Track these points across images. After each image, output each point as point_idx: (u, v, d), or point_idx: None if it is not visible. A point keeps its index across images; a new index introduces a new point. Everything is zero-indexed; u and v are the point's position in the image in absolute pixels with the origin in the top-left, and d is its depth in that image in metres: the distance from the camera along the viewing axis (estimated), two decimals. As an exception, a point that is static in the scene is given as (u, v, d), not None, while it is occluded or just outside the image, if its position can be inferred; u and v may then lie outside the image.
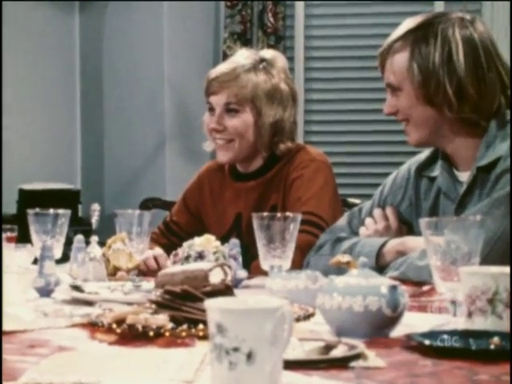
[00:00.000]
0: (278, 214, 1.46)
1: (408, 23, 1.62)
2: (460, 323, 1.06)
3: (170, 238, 2.11)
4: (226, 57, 3.58)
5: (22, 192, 3.44)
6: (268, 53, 2.06)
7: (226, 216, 2.05)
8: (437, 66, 1.55)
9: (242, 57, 2.01)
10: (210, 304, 0.79)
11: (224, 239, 1.82)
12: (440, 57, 1.55)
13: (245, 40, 3.57)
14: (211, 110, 2.01)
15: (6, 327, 1.10)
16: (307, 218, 1.85)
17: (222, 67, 2.01)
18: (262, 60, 2.00)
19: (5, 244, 1.75)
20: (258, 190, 2.01)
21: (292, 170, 1.98)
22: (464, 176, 1.62)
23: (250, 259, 1.73)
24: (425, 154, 1.73)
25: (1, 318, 1.11)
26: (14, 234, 1.86)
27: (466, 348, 0.95)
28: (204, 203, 2.10)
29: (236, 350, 0.76)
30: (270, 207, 1.98)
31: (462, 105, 1.56)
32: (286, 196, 1.97)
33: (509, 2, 3.33)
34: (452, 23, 1.58)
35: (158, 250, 1.84)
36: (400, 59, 1.60)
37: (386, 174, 1.85)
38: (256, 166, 2.03)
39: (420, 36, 1.58)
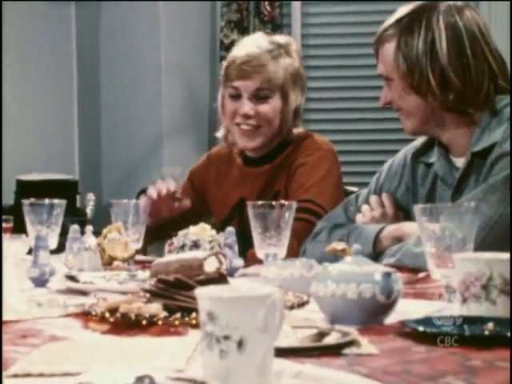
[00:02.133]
0: (273, 202, 1.45)
1: (398, 12, 1.62)
2: (455, 309, 1.06)
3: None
4: (223, 45, 3.57)
5: (19, 183, 3.44)
6: (281, 38, 2.01)
7: (228, 199, 2.04)
8: (420, 55, 1.55)
9: (264, 41, 1.96)
10: (201, 292, 0.78)
11: (226, 222, 1.82)
12: (423, 46, 1.55)
13: (242, 28, 3.56)
14: (236, 95, 1.95)
15: (-1, 317, 1.10)
16: (306, 206, 1.84)
17: (248, 51, 1.94)
18: (280, 45, 1.96)
19: (0, 235, 1.75)
20: (265, 176, 2.00)
21: (297, 157, 1.97)
22: (460, 162, 1.61)
23: (250, 245, 1.72)
24: (421, 140, 1.73)
25: (1, 311, 1.11)
26: (10, 225, 1.86)
27: (460, 334, 0.94)
28: (208, 183, 2.09)
29: (227, 337, 0.76)
30: (274, 193, 1.97)
31: (445, 94, 1.55)
32: (289, 183, 1.96)
33: (508, 2, 3.30)
34: (437, 11, 1.57)
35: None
36: (389, 49, 1.60)
37: (384, 162, 1.84)
38: (265, 151, 2.01)
39: (406, 26, 1.58)
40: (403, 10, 1.61)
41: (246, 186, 2.02)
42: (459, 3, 1.61)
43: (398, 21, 1.59)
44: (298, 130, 2.00)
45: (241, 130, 1.96)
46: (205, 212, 2.08)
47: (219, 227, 1.94)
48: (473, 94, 1.56)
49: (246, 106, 1.93)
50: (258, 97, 1.93)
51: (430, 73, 1.54)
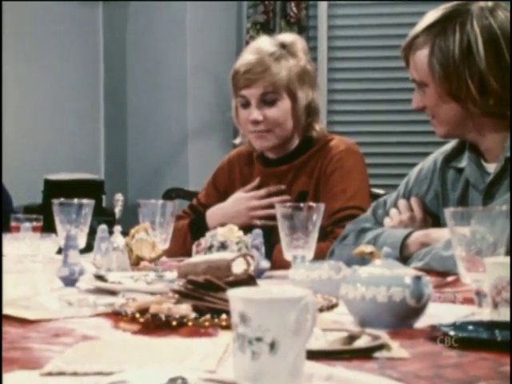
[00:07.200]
0: (301, 204, 1.45)
1: (427, 18, 1.59)
2: (485, 314, 1.05)
3: None
4: (248, 47, 3.58)
5: (47, 182, 3.48)
6: (287, 37, 2.04)
7: None
8: (457, 61, 1.53)
9: (266, 45, 1.99)
10: (233, 294, 0.79)
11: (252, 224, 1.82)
12: (459, 51, 1.52)
13: (268, 30, 3.56)
14: (246, 103, 1.98)
15: (31, 316, 1.11)
16: (355, 213, 1.83)
17: (249, 58, 1.97)
18: (284, 45, 1.99)
19: (30, 233, 1.77)
20: (286, 177, 2.01)
21: (328, 161, 1.96)
22: (492, 167, 1.60)
23: (273, 245, 1.73)
24: (451, 144, 1.72)
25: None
26: (40, 224, 1.89)
27: (492, 339, 0.94)
28: (233, 185, 2.09)
29: (259, 339, 0.76)
30: (298, 193, 1.97)
31: (486, 99, 1.53)
32: (323, 186, 1.95)
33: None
34: (471, 15, 1.54)
35: None
36: (421, 56, 1.57)
37: (412, 165, 1.83)
38: (286, 152, 2.02)
39: (439, 31, 1.55)
40: (433, 15, 1.58)
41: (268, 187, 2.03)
42: (490, 3, 1.58)
43: (430, 27, 1.56)
44: (320, 127, 2.01)
45: (254, 135, 1.99)
46: None
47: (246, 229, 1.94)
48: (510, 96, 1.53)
49: (254, 113, 1.96)
50: (265, 101, 1.96)
51: (469, 79, 1.52)
